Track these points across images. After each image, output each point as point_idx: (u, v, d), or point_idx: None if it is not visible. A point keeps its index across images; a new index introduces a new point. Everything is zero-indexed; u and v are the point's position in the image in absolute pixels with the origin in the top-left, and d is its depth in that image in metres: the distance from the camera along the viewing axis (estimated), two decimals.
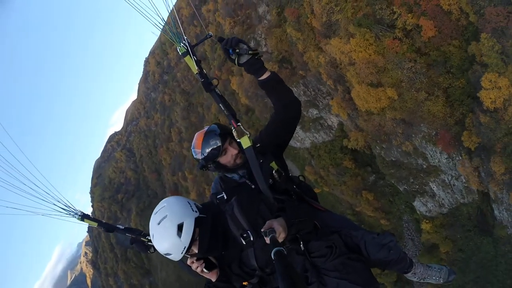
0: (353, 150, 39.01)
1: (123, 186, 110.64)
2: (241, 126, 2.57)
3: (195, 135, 2.86)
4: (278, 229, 2.10)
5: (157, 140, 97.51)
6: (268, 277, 2.37)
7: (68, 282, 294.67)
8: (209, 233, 2.27)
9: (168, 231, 2.16)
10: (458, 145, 23.10)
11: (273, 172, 2.72)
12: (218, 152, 2.67)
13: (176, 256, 2.24)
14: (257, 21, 44.46)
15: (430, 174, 31.11)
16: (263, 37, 44.72)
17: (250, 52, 2.41)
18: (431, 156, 28.53)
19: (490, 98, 18.02)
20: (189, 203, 2.34)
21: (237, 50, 2.39)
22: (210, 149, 2.68)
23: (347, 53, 23.79)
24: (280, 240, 2.09)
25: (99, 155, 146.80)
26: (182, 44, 2.43)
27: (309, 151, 47.39)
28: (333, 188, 45.98)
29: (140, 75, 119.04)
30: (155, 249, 2.82)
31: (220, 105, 2.53)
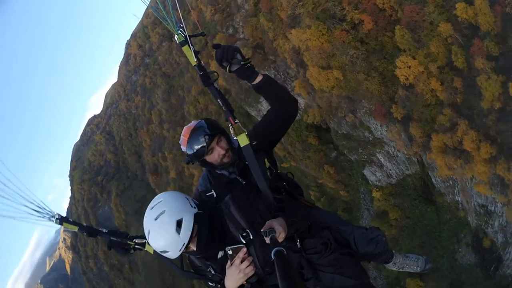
0: (317, 128, 45.47)
1: (103, 169, 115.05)
2: (239, 124, 2.54)
3: (183, 129, 2.77)
4: (278, 229, 2.10)
5: (137, 122, 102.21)
6: (267, 276, 2.34)
7: (47, 268, 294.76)
8: (207, 230, 2.21)
9: (166, 227, 2.08)
10: (390, 116, 29.93)
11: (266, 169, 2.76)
12: (203, 151, 2.64)
13: (173, 253, 2.18)
14: (236, 10, 50.48)
15: (376, 145, 38.09)
16: (240, 25, 50.76)
17: (241, 62, 2.43)
18: (374, 128, 35.42)
19: (403, 75, 24.79)
20: (187, 199, 2.29)
21: (230, 61, 2.42)
22: (195, 148, 2.64)
23: (304, 41, 30.23)
24: (280, 240, 2.08)
25: (78, 138, 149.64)
26: (179, 32, 2.38)
27: None
28: (299, 162, 51.94)
29: (121, 58, 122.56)
30: (135, 250, 2.98)
31: (219, 100, 2.49)
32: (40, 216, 2.76)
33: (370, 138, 37.71)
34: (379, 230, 2.93)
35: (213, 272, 2.44)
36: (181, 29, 2.38)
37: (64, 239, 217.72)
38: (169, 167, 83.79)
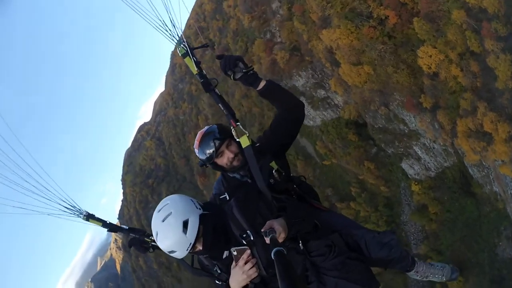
0: (356, 124, 47.30)
1: (154, 172, 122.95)
2: (240, 126, 2.68)
3: (198, 134, 2.98)
4: (278, 229, 2.12)
5: (185, 127, 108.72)
6: (271, 278, 2.36)
7: (98, 267, 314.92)
8: (212, 229, 2.31)
9: (173, 228, 2.19)
10: (420, 107, 31.55)
11: (273, 171, 2.86)
12: (213, 155, 2.81)
13: (180, 253, 2.29)
14: (272, 16, 53.88)
15: (411, 137, 39.44)
16: (277, 29, 54.03)
17: (244, 70, 2.62)
18: (408, 121, 36.92)
19: (426, 64, 26.55)
20: (192, 201, 2.40)
21: (234, 70, 2.63)
22: (206, 151, 2.83)
23: (334, 40, 32.77)
24: (280, 240, 2.11)
25: (129, 145, 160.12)
26: (182, 46, 2.64)
27: (320, 128, 55.20)
28: (340, 159, 53.65)
29: (167, 68, 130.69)
30: (154, 249, 3.10)
31: (220, 105, 2.70)
32: (71, 213, 2.98)
33: (406, 131, 39.14)
34: (393, 234, 2.87)
35: (219, 271, 2.50)
36: (183, 43, 2.56)
37: (116, 239, 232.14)
38: None
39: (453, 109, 27.30)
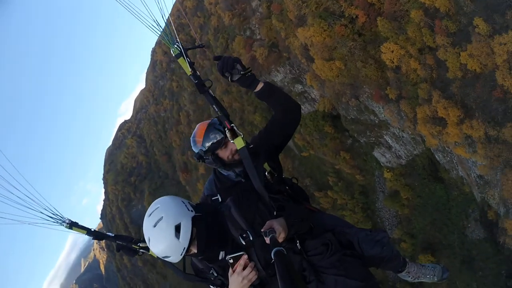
0: (332, 117, 50.41)
1: (136, 170, 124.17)
2: (235, 127, 2.69)
3: (197, 126, 3.01)
4: (278, 229, 2.14)
5: (167, 124, 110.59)
6: (270, 278, 2.38)
7: (82, 269, 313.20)
8: (206, 231, 2.29)
9: (165, 233, 2.16)
10: (387, 98, 34.96)
11: (266, 173, 2.89)
12: (219, 144, 2.80)
13: (175, 258, 2.27)
14: (251, 14, 56.74)
15: (382, 127, 42.94)
16: (256, 27, 56.95)
17: (241, 72, 2.64)
18: (378, 112, 40.36)
19: (388, 59, 29.92)
20: (184, 202, 2.36)
21: (231, 71, 2.63)
22: (211, 141, 2.83)
23: (309, 37, 35.83)
24: (280, 240, 2.13)
25: (110, 143, 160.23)
26: (175, 46, 2.64)
27: None
28: (317, 151, 56.55)
29: (147, 65, 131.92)
30: (143, 252, 3.07)
31: (214, 106, 2.67)
32: (53, 222, 2.90)
33: (376, 121, 42.61)
34: (385, 232, 2.91)
35: (215, 274, 2.49)
36: (177, 43, 2.64)
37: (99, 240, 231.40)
38: (198, 164, 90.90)
39: (414, 99, 30.74)
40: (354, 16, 35.24)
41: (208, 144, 2.84)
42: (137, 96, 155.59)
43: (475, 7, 23.79)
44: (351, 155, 52.59)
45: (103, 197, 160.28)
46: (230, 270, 2.40)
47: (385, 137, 44.72)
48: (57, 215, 3.03)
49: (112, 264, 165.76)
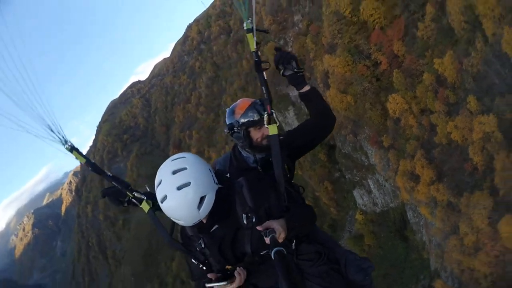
0: (329, 146, 52.65)
1: (131, 129, 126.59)
2: (275, 114, 2.68)
3: (241, 100, 3.01)
4: (278, 229, 2.15)
5: (176, 98, 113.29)
6: (258, 266, 2.37)
7: (44, 202, 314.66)
8: (221, 205, 2.27)
9: (189, 202, 2.09)
10: (381, 144, 37.58)
11: None
12: (254, 124, 2.80)
13: (186, 223, 2.21)
14: (291, 26, 59.65)
15: (369, 170, 45.48)
16: (291, 39, 59.82)
17: (295, 70, 2.70)
18: (370, 155, 42.92)
19: (392, 109, 32.58)
20: (211, 172, 2.28)
21: (286, 65, 2.70)
22: (249, 118, 2.81)
23: (332, 66, 38.59)
24: (280, 240, 2.13)
25: (117, 96, 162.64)
26: (249, 21, 2.66)
27: None
28: (304, 172, 58.36)
29: (178, 37, 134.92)
30: (129, 204, 2.95)
31: (263, 87, 2.68)
32: (55, 138, 2.80)
33: (366, 163, 45.15)
34: (371, 263, 2.92)
35: (202, 246, 2.40)
36: (250, 19, 2.67)
37: (71, 181, 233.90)
38: (191, 145, 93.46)
39: (401, 152, 33.37)
40: (378, 61, 38.03)
41: (244, 120, 2.82)
42: (158, 63, 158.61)
43: (475, 86, 26.52)
44: (333, 188, 54.79)
45: (90, 143, 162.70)
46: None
47: (369, 180, 47.17)
48: (59, 133, 2.88)
49: (75, 209, 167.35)
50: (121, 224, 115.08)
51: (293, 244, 2.51)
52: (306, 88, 2.84)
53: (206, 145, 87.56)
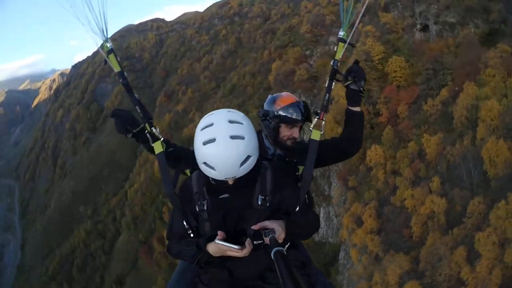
0: None
1: (134, 59, 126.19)
2: (323, 123, 2.68)
3: (286, 93, 2.98)
4: (278, 230, 2.13)
5: (189, 53, 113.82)
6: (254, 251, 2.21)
7: (20, 87, 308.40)
8: (251, 174, 2.15)
9: (237, 154, 1.99)
10: (346, 182, 40.41)
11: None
12: (289, 121, 2.76)
13: (217, 175, 2.06)
14: (323, 43, 61.88)
15: (325, 200, 48.45)
16: (318, 55, 62.15)
17: (361, 88, 2.68)
18: (333, 187, 45.81)
19: (369, 156, 35.37)
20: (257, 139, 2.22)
21: (356, 80, 2.66)
22: (289, 114, 2.76)
23: (339, 96, 41.03)
24: (280, 241, 2.10)
25: (135, 22, 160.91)
26: (343, 33, 2.60)
27: None
28: None
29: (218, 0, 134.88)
30: (134, 136, 2.67)
31: (326, 95, 2.73)
32: (98, 32, 2.50)
33: (326, 193, 48.07)
34: None
35: (204, 207, 2.29)
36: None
37: (55, 80, 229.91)
38: (181, 101, 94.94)
39: (360, 196, 36.42)
40: (380, 112, 40.72)
41: (282, 113, 2.78)
42: (189, 12, 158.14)
43: (445, 172, 29.41)
44: None
45: (90, 53, 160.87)
46: (218, 241, 2.11)
47: (321, 209, 50.16)
48: (105, 27, 2.53)
49: (46, 107, 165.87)
50: (82, 141, 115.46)
51: (286, 246, 2.41)
52: (358, 108, 2.81)
53: (195, 107, 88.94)
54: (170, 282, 2.92)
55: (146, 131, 2.59)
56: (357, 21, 2.64)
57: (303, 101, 2.89)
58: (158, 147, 2.56)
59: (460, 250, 20.88)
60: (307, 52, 64.25)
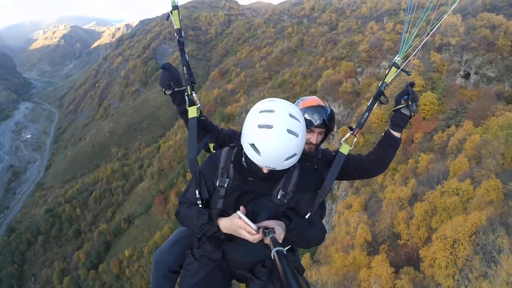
0: None
1: (199, 31, 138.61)
2: (355, 140, 2.78)
3: (314, 97, 3.05)
4: (278, 230, 2.22)
5: (252, 39, 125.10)
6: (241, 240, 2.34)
7: (85, 27, 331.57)
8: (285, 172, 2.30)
9: (287, 148, 2.07)
10: (353, 183, 48.64)
11: None
12: (308, 124, 2.82)
13: (261, 160, 2.13)
14: (375, 65, 70.24)
15: (331, 197, 56.59)
16: (367, 74, 70.37)
17: (412, 113, 2.67)
18: (341, 187, 54.00)
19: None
20: None
21: (410, 103, 2.64)
22: (309, 116, 2.85)
23: (373, 113, 49.41)
24: (280, 241, 2.20)
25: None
26: (399, 58, 2.72)
27: None
28: None
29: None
30: (173, 94, 2.77)
31: (366, 113, 2.82)
32: None
33: (334, 191, 56.07)
34: None
35: (224, 184, 2.41)
36: (399, 57, 2.72)
37: (119, 28, 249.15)
38: (232, 81, 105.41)
39: (359, 193, 44.77)
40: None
41: (305, 115, 2.82)
42: (261, 1, 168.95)
43: None
44: None
45: (157, 14, 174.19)
46: (238, 215, 2.23)
47: (326, 205, 58.25)
48: None
49: (105, 51, 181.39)
50: (132, 90, 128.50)
51: (286, 249, 2.37)
52: (398, 135, 2.79)
53: (243, 90, 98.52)
54: (160, 249, 3.04)
55: (186, 93, 2.76)
56: (414, 52, 2.75)
57: (329, 109, 2.95)
58: (192, 111, 2.74)
59: (402, 213, 27.90)
60: (359, 69, 72.51)
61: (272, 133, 2.05)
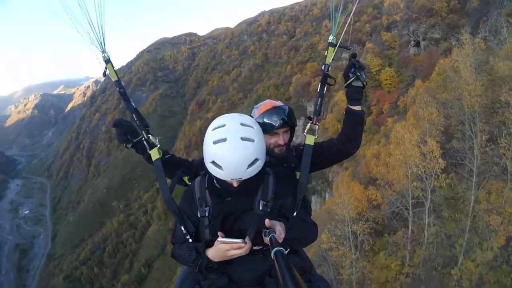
0: None
1: (167, 71, 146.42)
2: (317, 127, 2.77)
3: (267, 101, 3.08)
4: (279, 230, 2.20)
5: (219, 66, 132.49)
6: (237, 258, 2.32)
7: (55, 92, 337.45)
8: (255, 178, 2.27)
9: (245, 156, 2.13)
10: (342, 164, 54.73)
11: None
12: (269, 128, 2.86)
13: (223, 175, 2.18)
14: (336, 60, 77.02)
15: (329, 186, 62.44)
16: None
17: (365, 82, 2.69)
18: (335, 174, 59.93)
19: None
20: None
21: (359, 74, 2.64)
22: (266, 121, 2.88)
23: (341, 100, 56.18)
24: (280, 241, 2.16)
25: (170, 36, 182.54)
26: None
27: None
28: None
29: (249, 16, 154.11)
30: (134, 146, 2.89)
31: (319, 99, 2.80)
32: (96, 42, 2.76)
33: (330, 179, 61.89)
34: None
35: (205, 214, 2.42)
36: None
37: (89, 86, 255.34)
38: (212, 109, 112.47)
39: (352, 175, 50.72)
40: (371, 111, 55.44)
41: (260, 122, 2.84)
42: (220, 28, 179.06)
43: None
44: None
45: (124, 63, 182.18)
46: (221, 239, 2.19)
47: (326, 194, 64.25)
48: (102, 41, 2.80)
49: (80, 111, 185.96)
50: (117, 144, 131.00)
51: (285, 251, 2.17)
52: (358, 107, 2.80)
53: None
54: None
55: (143, 138, 2.82)
56: (346, 26, 2.70)
57: (286, 107, 2.97)
58: (154, 153, 2.78)
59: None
60: (323, 67, 79.29)
61: (227, 145, 2.12)
